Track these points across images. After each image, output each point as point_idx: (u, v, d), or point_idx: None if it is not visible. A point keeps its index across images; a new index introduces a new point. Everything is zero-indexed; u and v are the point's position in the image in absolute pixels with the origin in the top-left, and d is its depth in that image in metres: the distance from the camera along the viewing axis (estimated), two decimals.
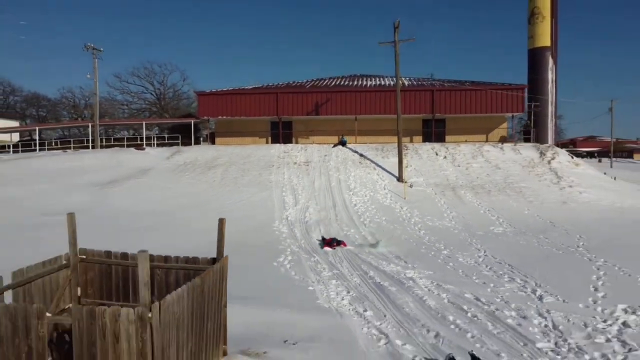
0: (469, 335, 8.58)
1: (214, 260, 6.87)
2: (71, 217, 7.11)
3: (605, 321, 9.38)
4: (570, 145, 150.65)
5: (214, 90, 38.88)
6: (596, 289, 11.64)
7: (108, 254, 7.29)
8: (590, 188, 28.49)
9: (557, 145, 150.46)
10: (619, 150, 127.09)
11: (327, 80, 44.08)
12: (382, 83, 40.32)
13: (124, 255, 7.24)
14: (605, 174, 35.29)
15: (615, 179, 34.76)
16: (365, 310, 9.95)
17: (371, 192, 26.74)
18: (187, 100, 70.05)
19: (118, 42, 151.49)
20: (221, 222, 6.82)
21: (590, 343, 8.26)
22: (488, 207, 24.63)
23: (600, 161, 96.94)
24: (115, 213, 22.11)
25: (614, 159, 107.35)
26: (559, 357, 7.68)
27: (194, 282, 5.70)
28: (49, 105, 75.01)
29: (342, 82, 42.22)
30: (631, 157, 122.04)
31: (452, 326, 9.05)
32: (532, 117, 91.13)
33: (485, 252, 16.25)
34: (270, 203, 24.79)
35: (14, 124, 68.16)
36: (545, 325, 9.12)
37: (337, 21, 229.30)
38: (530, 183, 28.62)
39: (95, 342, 4.64)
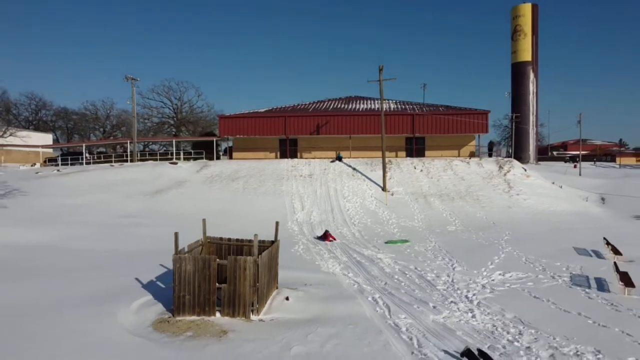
0: (402, 284, 15.63)
1: (272, 242, 13.94)
2: (204, 220, 14.12)
3: (482, 278, 16.43)
4: (561, 148, 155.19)
5: (232, 114, 45.96)
6: (491, 263, 18.68)
7: (220, 238, 14.34)
8: (533, 195, 35.53)
9: (549, 149, 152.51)
10: (604, 154, 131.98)
11: (326, 103, 51.16)
12: (372, 107, 47.27)
13: (229, 239, 14.29)
14: (553, 183, 42.17)
15: (561, 187, 41.72)
16: (348, 273, 17.02)
17: (361, 199, 33.79)
18: (202, 113, 77.21)
19: (142, 62, 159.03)
20: (277, 223, 13.88)
21: (466, 287, 15.30)
22: (449, 211, 31.68)
23: (575, 167, 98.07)
24: (169, 215, 29.11)
25: (598, 163, 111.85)
26: (445, 291, 14.72)
27: (269, 249, 12.77)
28: (76, 118, 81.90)
29: (339, 105, 49.29)
30: (614, 160, 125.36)
31: (395, 280, 16.09)
32: (513, 125, 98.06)
33: (435, 243, 23.32)
34: (283, 208, 31.79)
35: (49, 136, 75.15)
36: (447, 280, 16.16)
37: (340, 45, 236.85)
38: (486, 192, 35.66)
39: (236, 269, 11.66)
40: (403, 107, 46.79)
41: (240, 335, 10.91)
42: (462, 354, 9.77)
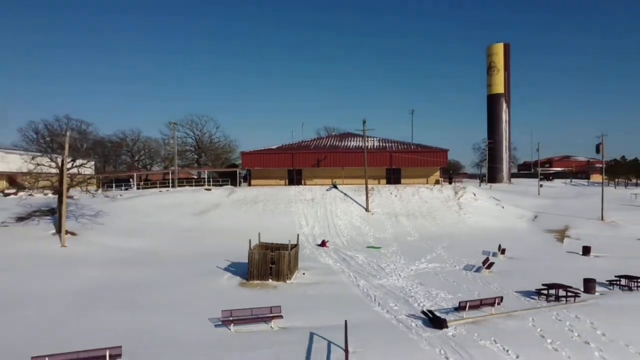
0: (366, 269, 27.10)
1: (295, 245, 25.53)
2: (259, 233, 25.70)
3: (413, 266, 27.91)
4: (547, 164, 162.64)
5: (252, 150, 57.65)
6: (424, 259, 30.15)
7: (266, 243, 25.88)
8: (477, 215, 46.97)
9: (532, 165, 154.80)
10: (579, 172, 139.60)
11: (324, 140, 62.96)
12: (361, 144, 58.85)
13: (272, 243, 25.84)
14: (497, 204, 53.52)
15: (503, 207, 53.04)
16: (337, 264, 28.54)
17: (349, 217, 45.25)
18: (219, 142, 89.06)
19: (170, 98, 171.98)
20: (298, 235, 25.47)
21: (402, 270, 26.77)
22: (412, 227, 43.12)
23: (541, 186, 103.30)
24: (214, 230, 40.46)
25: (575, 180, 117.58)
26: (388, 272, 26.18)
27: (295, 249, 24.39)
28: (112, 147, 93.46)
29: (335, 142, 61.06)
30: (589, 177, 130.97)
31: (363, 267, 27.56)
32: (488, 151, 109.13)
33: (395, 248, 34.78)
34: (293, 225, 43.11)
35: (90, 163, 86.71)
36: (393, 267, 27.62)
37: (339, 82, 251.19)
38: (442, 212, 47.12)
39: (280, 257, 23.16)
40: (383, 144, 58.53)
41: (283, 288, 22.39)
42: (422, 312, 17.46)
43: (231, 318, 16.01)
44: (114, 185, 61.66)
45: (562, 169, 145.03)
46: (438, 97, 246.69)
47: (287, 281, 23.27)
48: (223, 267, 26.60)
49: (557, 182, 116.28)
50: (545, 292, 20.56)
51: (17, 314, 17.74)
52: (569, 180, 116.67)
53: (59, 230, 34.49)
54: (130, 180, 65.96)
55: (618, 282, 22.70)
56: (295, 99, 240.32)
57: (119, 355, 12.33)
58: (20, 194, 52.78)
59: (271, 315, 16.41)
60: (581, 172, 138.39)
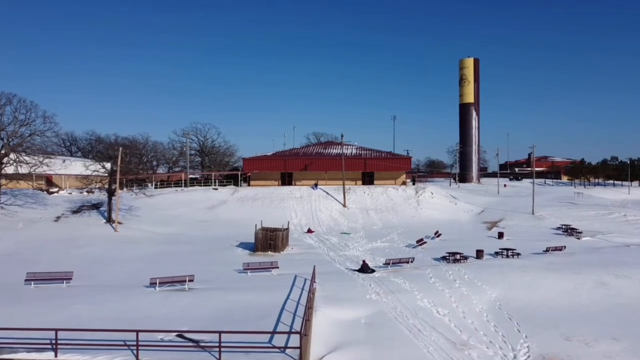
0: (337, 246, 37.58)
1: (287, 229, 35.94)
2: (261, 220, 36.08)
3: (370, 244, 38.45)
4: (525, 164, 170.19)
5: (252, 157, 67.82)
6: (379, 240, 40.69)
7: (267, 227, 36.22)
8: (431, 210, 57.57)
9: (507, 165, 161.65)
10: (553, 172, 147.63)
11: (311, 147, 73.35)
12: (339, 152, 69.19)
13: (269, 227, 36.21)
14: (451, 200, 64.15)
15: (456, 204, 63.67)
16: (317, 243, 38.97)
17: (329, 211, 55.62)
18: (220, 147, 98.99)
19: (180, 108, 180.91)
20: (289, 222, 35.83)
21: (362, 247, 37.25)
22: (379, 218, 53.61)
23: (505, 186, 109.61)
24: (223, 221, 50.51)
25: (548, 180, 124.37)
26: (352, 248, 36.68)
27: (286, 230, 34.82)
28: (127, 150, 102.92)
29: (319, 150, 71.40)
30: (560, 177, 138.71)
31: (335, 245, 38.01)
32: (458, 154, 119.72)
33: (362, 233, 45.26)
34: (285, 217, 53.07)
35: (107, 165, 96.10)
36: (356, 245, 38.11)
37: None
38: (403, 207, 57.66)
39: (277, 236, 33.53)
40: (360, 152, 69.05)
41: (278, 256, 32.64)
42: (362, 264, 31.01)
43: (249, 267, 26.38)
44: (134, 185, 71.40)
45: (541, 169, 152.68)
46: (418, 104, 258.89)
47: (281, 252, 33.63)
48: (235, 245, 36.86)
49: (526, 182, 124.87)
50: (447, 257, 31.14)
51: (116, 267, 28.02)
52: (542, 180, 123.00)
53: (108, 220, 44.59)
54: (146, 180, 75.73)
55: (501, 252, 33.33)
56: (291, 98, 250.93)
57: (192, 280, 22.58)
58: (61, 192, 62.70)
59: (272, 267, 26.77)
60: (551, 172, 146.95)
